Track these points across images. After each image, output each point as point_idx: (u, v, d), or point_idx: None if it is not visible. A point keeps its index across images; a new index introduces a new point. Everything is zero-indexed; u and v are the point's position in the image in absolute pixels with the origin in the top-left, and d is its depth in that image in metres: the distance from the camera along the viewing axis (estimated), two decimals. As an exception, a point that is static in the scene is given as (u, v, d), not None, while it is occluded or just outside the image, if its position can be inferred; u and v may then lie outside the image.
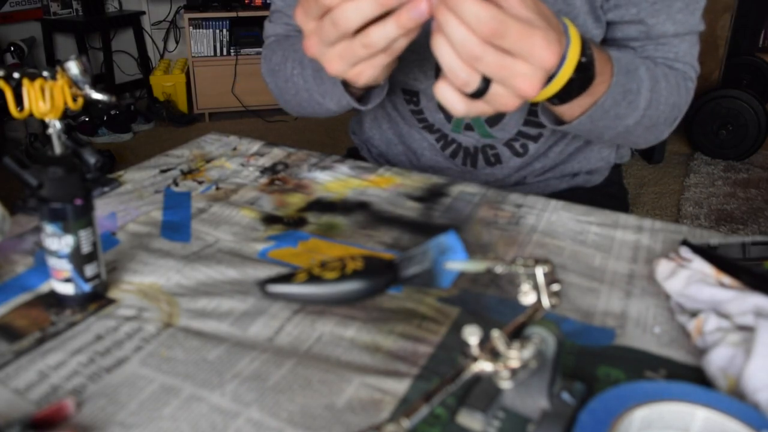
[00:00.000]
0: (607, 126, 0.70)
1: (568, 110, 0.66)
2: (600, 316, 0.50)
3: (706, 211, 2.63)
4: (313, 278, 0.51)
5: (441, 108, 0.85)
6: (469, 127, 0.86)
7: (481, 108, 0.51)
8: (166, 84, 3.91)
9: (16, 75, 0.48)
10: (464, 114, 0.51)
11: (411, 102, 0.88)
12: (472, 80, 0.48)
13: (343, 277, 0.50)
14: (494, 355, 0.36)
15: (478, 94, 0.49)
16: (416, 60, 0.81)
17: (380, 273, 0.51)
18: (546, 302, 0.43)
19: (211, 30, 3.84)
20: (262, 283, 0.52)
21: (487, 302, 0.52)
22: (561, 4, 0.74)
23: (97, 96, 0.51)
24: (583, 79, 0.60)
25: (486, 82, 0.49)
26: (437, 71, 0.81)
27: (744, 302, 0.45)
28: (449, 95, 0.50)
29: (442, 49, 0.48)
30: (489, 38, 0.46)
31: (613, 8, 0.76)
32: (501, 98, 0.50)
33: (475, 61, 0.47)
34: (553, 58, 0.48)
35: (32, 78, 0.48)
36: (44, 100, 0.48)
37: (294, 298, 0.51)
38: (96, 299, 0.51)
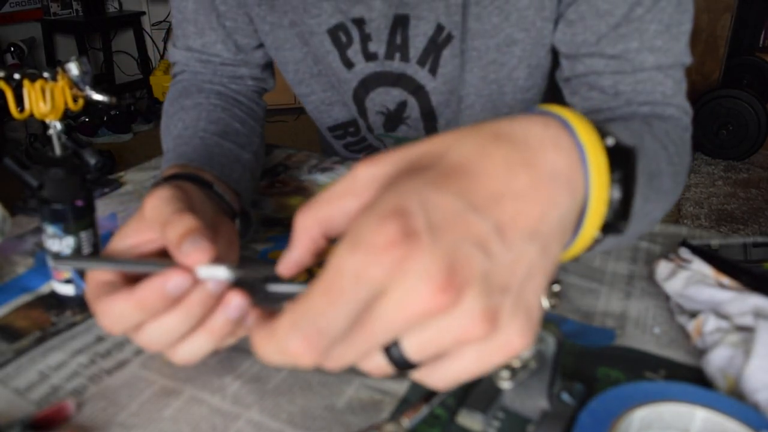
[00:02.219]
0: (632, 234, 0.49)
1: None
2: (600, 317, 0.51)
3: (707, 211, 2.63)
4: (313, 277, 0.51)
5: (378, 138, 0.80)
6: None
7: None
8: (166, 84, 3.91)
9: (16, 76, 0.48)
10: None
11: (345, 137, 0.83)
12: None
13: None
14: (494, 356, 0.36)
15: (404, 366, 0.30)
16: (333, 98, 0.77)
17: None
18: (546, 303, 0.43)
19: (211, 30, 3.84)
20: (262, 282, 0.52)
21: (487, 303, 0.52)
22: (494, 53, 0.66)
23: (97, 97, 0.51)
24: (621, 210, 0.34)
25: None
26: (362, 117, 0.76)
27: (743, 303, 0.45)
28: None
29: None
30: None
31: (563, 32, 0.62)
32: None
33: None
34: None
35: (33, 79, 0.48)
36: (45, 101, 0.48)
37: (294, 297, 0.51)
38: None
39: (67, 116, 0.50)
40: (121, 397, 0.41)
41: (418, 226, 0.26)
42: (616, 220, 0.34)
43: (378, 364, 0.29)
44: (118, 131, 3.52)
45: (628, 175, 0.33)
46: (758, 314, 0.43)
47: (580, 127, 0.32)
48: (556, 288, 0.44)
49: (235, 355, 0.45)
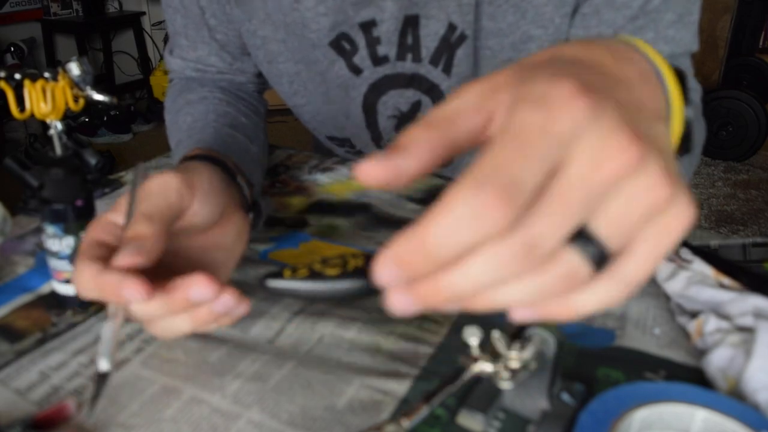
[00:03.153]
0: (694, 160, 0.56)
1: None
2: (600, 318, 0.51)
3: (706, 212, 2.63)
4: (314, 274, 0.51)
5: (382, 148, 0.77)
6: None
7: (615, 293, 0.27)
8: (166, 84, 3.91)
9: (17, 76, 0.48)
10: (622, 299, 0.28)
11: (344, 146, 0.82)
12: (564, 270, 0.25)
13: (344, 273, 0.50)
14: (494, 356, 0.36)
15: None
16: (334, 109, 0.76)
17: None
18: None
19: (211, 31, 3.84)
20: (262, 278, 0.52)
21: (487, 303, 0.52)
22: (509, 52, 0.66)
23: (97, 97, 0.51)
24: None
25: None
26: (369, 126, 0.75)
27: (744, 303, 0.45)
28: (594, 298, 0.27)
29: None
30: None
31: (578, 26, 0.63)
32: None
33: (531, 252, 0.24)
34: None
35: (33, 79, 0.48)
36: (45, 101, 0.48)
37: (294, 293, 0.51)
38: (97, 300, 0.51)
39: (66, 116, 0.50)
40: (121, 396, 0.41)
41: (591, 85, 0.25)
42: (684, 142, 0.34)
43: (571, 264, 0.25)
44: (118, 131, 3.52)
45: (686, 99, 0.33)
46: (759, 315, 0.43)
47: (650, 51, 0.33)
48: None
49: (235, 353, 0.46)
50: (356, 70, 0.70)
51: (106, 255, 0.40)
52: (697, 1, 0.62)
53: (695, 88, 0.64)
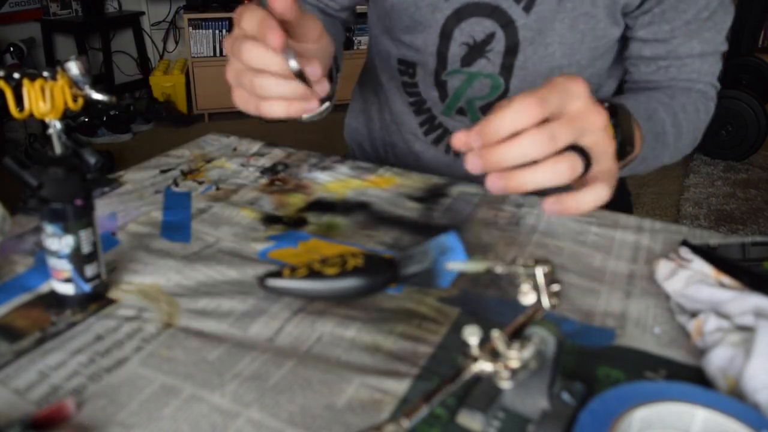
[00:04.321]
0: (646, 167, 0.74)
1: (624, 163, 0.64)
2: (600, 317, 0.51)
3: (706, 211, 2.63)
4: (313, 273, 0.51)
5: (438, 85, 0.85)
6: (461, 111, 0.85)
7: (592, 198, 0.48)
8: (165, 84, 3.91)
9: (16, 75, 0.48)
10: (596, 204, 0.47)
11: (406, 74, 0.87)
12: (570, 162, 0.45)
13: (343, 273, 0.50)
14: (494, 356, 0.36)
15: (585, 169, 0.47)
16: (419, 31, 0.81)
17: (380, 270, 0.51)
18: (546, 302, 0.43)
19: (210, 30, 3.84)
20: (262, 278, 0.52)
21: (487, 303, 0.52)
22: (588, 6, 0.75)
23: (97, 96, 0.51)
24: (629, 151, 0.59)
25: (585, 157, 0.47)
26: (439, 52, 0.82)
27: (744, 302, 0.45)
28: (575, 200, 0.47)
29: (527, 174, 0.45)
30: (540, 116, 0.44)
31: (646, 25, 0.76)
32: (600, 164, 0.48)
33: (553, 140, 0.44)
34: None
35: (32, 78, 0.48)
36: (44, 101, 0.48)
37: (293, 292, 0.51)
38: (96, 299, 0.51)
39: (66, 116, 0.50)
40: (120, 395, 0.41)
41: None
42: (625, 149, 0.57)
43: (573, 158, 0.45)
44: (118, 131, 3.52)
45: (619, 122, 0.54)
46: (759, 314, 0.43)
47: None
48: (556, 288, 0.44)
49: (234, 352, 0.45)
50: None
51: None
52: (731, 10, 0.76)
53: (705, 90, 0.81)
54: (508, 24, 0.77)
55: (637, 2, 0.74)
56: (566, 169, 0.44)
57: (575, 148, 0.46)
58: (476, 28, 0.78)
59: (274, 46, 0.48)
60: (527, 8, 0.75)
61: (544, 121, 0.45)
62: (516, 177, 0.45)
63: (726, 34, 0.78)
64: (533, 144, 0.43)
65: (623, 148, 0.56)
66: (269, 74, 0.51)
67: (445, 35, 0.80)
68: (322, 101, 0.63)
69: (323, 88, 0.52)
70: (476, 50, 0.80)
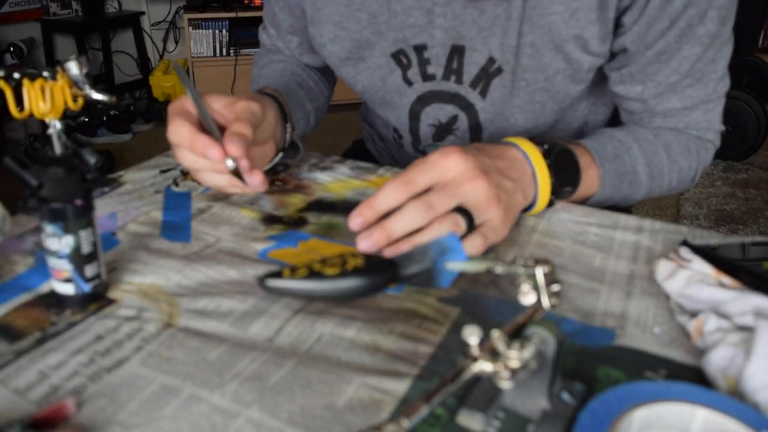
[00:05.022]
0: (618, 201, 0.75)
1: (574, 200, 0.71)
2: (600, 317, 0.51)
3: (706, 211, 2.63)
4: (313, 273, 0.51)
5: (418, 151, 0.91)
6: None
7: (480, 242, 0.56)
8: (165, 84, 3.91)
9: (16, 75, 0.48)
10: (483, 249, 0.56)
11: (395, 133, 0.93)
12: (452, 221, 0.54)
13: (343, 273, 0.50)
14: (494, 356, 0.36)
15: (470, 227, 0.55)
16: (392, 109, 0.87)
17: (380, 270, 0.51)
18: (546, 302, 0.43)
19: (210, 30, 3.85)
20: (262, 278, 0.52)
21: (487, 303, 0.52)
22: (541, 81, 0.76)
23: (97, 96, 0.51)
24: (568, 191, 0.67)
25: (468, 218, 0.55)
26: (411, 130, 0.88)
27: (744, 302, 0.45)
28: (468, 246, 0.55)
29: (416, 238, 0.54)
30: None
31: (618, 83, 0.76)
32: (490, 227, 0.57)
33: (431, 208, 0.53)
34: (506, 230, 0.58)
35: (32, 78, 0.48)
36: (44, 101, 0.48)
37: (293, 293, 0.51)
38: (96, 299, 0.51)
39: (66, 116, 0.50)
40: (120, 395, 0.41)
41: (468, 152, 0.56)
42: (564, 186, 0.66)
43: (456, 218, 0.54)
44: (118, 131, 3.52)
45: (557, 164, 0.64)
46: (759, 314, 0.43)
47: (522, 143, 0.64)
48: (556, 288, 0.44)
49: (234, 352, 0.45)
50: (408, 82, 0.82)
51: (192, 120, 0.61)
52: (730, 45, 0.72)
53: (696, 134, 0.78)
54: (468, 107, 0.81)
55: (599, 63, 0.74)
56: (449, 227, 0.52)
57: (461, 209, 0.54)
58: (439, 111, 0.83)
59: (215, 159, 0.59)
60: (483, 93, 0.79)
61: (428, 191, 0.54)
62: (406, 240, 0.54)
63: (721, 74, 0.74)
64: (415, 213, 0.52)
65: (560, 188, 0.65)
66: (206, 170, 0.63)
67: (414, 116, 0.86)
68: (279, 150, 0.74)
69: (256, 180, 0.62)
70: (444, 129, 0.86)
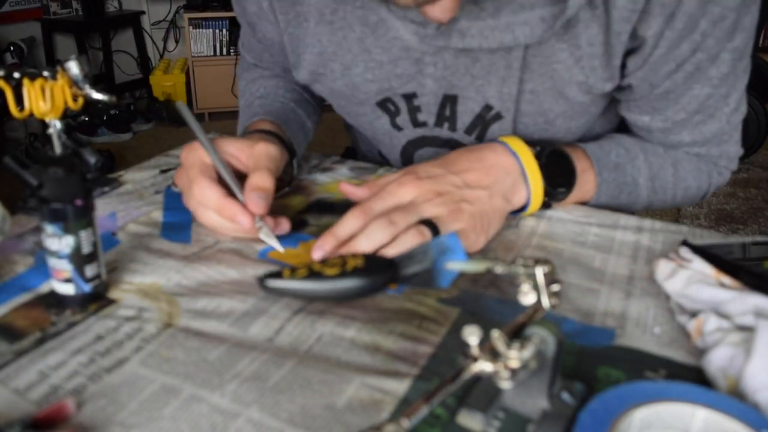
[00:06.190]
0: (615, 209, 0.71)
1: (569, 204, 0.70)
2: (600, 317, 0.50)
3: (706, 211, 2.63)
4: (313, 274, 0.51)
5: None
6: None
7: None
8: (165, 84, 3.91)
9: (16, 75, 0.48)
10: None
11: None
12: (416, 232, 0.55)
13: (343, 273, 0.50)
14: (494, 356, 0.36)
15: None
16: (386, 147, 0.85)
17: (380, 271, 0.51)
18: (546, 302, 0.43)
19: (210, 30, 3.85)
20: (262, 278, 0.52)
21: (486, 303, 0.52)
22: (541, 123, 0.73)
23: (97, 96, 0.51)
24: (562, 192, 0.67)
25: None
26: (403, 163, 0.84)
27: (744, 302, 0.45)
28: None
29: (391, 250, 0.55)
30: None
31: (626, 111, 0.73)
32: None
33: (392, 224, 0.56)
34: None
35: (32, 78, 0.48)
36: (44, 100, 0.48)
37: (293, 293, 0.51)
38: (96, 299, 0.51)
39: (66, 116, 0.50)
40: (120, 395, 0.41)
41: (426, 173, 0.61)
42: (557, 188, 0.66)
43: (421, 228, 0.56)
44: (118, 131, 3.52)
45: (549, 165, 0.65)
46: (759, 314, 0.43)
47: (513, 143, 0.65)
48: (556, 288, 0.44)
49: (234, 352, 0.45)
50: (398, 128, 0.79)
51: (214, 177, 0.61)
52: (748, 72, 0.72)
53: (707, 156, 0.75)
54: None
55: (603, 102, 0.72)
56: (415, 238, 0.55)
57: (427, 222, 0.57)
58: (433, 154, 0.80)
59: (247, 228, 0.59)
60: (480, 138, 0.76)
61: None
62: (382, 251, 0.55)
63: (735, 106, 0.72)
64: (378, 230, 0.55)
65: (553, 188, 0.65)
66: (230, 231, 0.62)
67: (406, 157, 0.83)
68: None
69: (285, 229, 0.63)
70: None
